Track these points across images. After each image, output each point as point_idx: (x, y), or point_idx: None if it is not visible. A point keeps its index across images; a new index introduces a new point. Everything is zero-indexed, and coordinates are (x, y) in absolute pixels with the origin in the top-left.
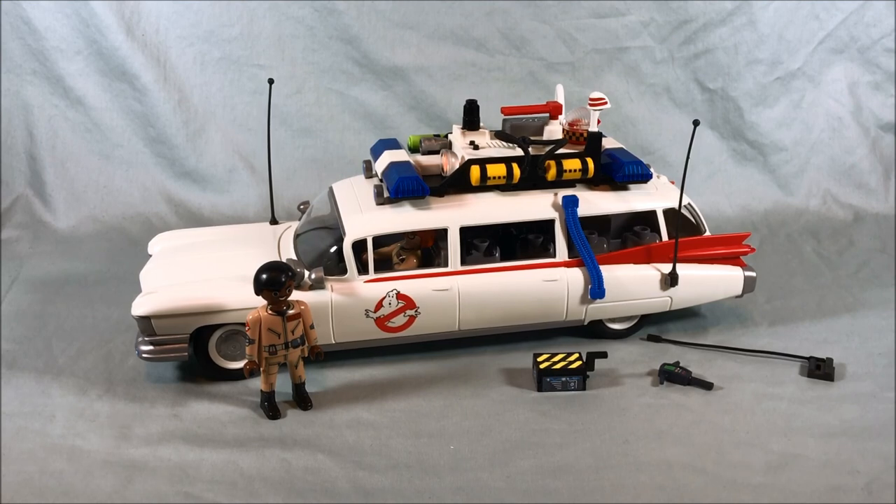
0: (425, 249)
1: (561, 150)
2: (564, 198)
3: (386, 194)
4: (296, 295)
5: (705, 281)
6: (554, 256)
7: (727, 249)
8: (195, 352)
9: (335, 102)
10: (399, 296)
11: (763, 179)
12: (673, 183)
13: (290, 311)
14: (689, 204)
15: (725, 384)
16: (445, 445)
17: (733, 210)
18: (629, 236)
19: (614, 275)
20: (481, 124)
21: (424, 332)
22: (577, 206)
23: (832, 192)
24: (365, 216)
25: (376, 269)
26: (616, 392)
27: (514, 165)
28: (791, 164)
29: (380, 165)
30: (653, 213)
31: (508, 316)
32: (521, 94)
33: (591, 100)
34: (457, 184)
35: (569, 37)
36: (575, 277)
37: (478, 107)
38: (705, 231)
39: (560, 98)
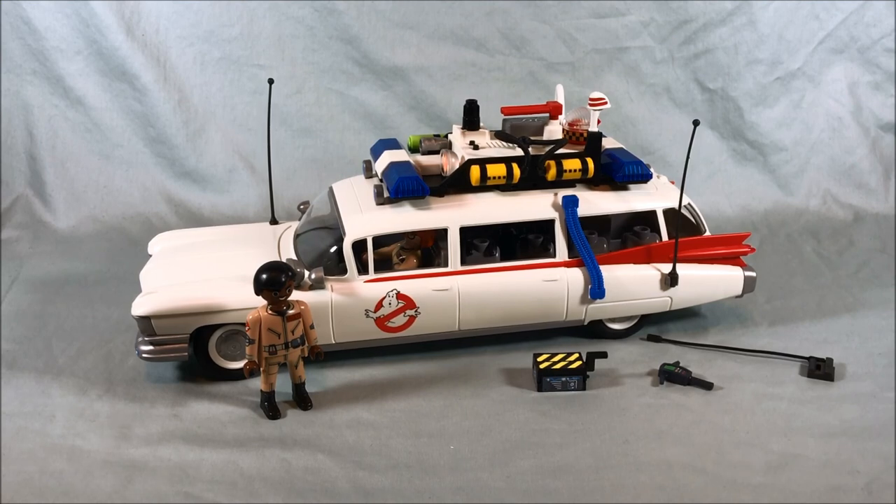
0: (425, 249)
1: (561, 150)
2: (564, 198)
3: (386, 194)
4: (296, 295)
5: (705, 281)
6: (554, 256)
7: (727, 249)
8: (195, 352)
9: (335, 102)
10: (399, 296)
11: (763, 179)
12: (673, 183)
13: (290, 311)
14: (689, 204)
15: (725, 384)
16: (445, 445)
17: (733, 210)
18: (629, 236)
19: (614, 275)
20: (481, 124)
21: (424, 332)
22: (577, 206)
23: (832, 192)
24: (365, 216)
25: (376, 269)
26: (616, 392)
27: (514, 165)
28: (791, 164)
29: (380, 165)
30: (653, 213)
31: (508, 316)
32: (521, 94)
33: (591, 100)
34: (457, 184)
35: (569, 37)
36: (575, 277)
37: (478, 107)
38: (705, 231)
39: (560, 98)
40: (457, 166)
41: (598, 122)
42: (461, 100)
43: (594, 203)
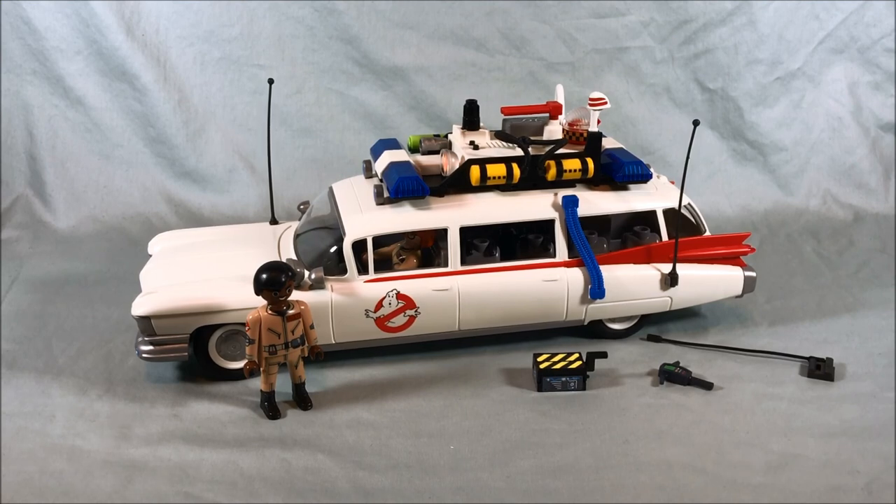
0: (425, 249)
1: (561, 150)
2: (564, 198)
3: (386, 194)
4: (296, 295)
5: (705, 281)
6: (554, 256)
7: (727, 249)
8: (195, 352)
9: (335, 102)
10: (399, 296)
11: (763, 179)
12: (673, 183)
13: (290, 311)
14: (689, 204)
15: (725, 384)
16: (445, 445)
17: (733, 210)
18: (629, 236)
19: (614, 275)
20: (481, 124)
21: (424, 332)
22: (577, 206)
23: (832, 192)
24: (365, 216)
25: (376, 269)
26: (616, 392)
27: (514, 165)
28: (791, 164)
29: (380, 165)
30: (653, 213)
31: (508, 316)
32: (521, 94)
33: (591, 100)
34: (457, 184)
35: (569, 37)
36: (575, 277)
37: (478, 107)
38: (705, 231)
39: (560, 98)
40: (457, 166)
41: (598, 122)
42: (461, 100)
43: (594, 203)
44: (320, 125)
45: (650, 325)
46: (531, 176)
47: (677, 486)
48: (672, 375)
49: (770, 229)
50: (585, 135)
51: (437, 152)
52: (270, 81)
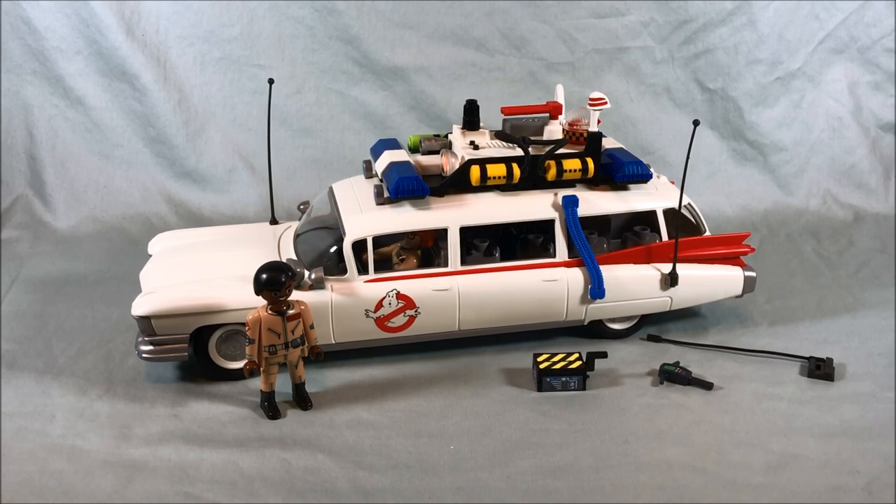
0: (425, 249)
1: (561, 150)
2: (564, 198)
3: (386, 194)
4: (296, 295)
5: (705, 281)
6: (554, 256)
7: (727, 249)
8: (195, 352)
9: (335, 102)
10: (399, 296)
11: (763, 179)
12: (673, 183)
13: (290, 311)
14: (689, 204)
15: (725, 384)
16: (445, 445)
17: (733, 210)
18: (629, 236)
19: (614, 275)
20: (481, 124)
21: (424, 332)
22: (577, 206)
23: (832, 192)
24: (365, 216)
25: (376, 269)
26: (616, 392)
27: (514, 165)
28: (791, 164)
29: (380, 165)
30: (653, 213)
31: (508, 316)
32: (521, 94)
33: (591, 100)
34: (457, 184)
35: (569, 37)
36: (575, 277)
37: (478, 107)
38: (705, 231)
39: (560, 98)
40: (457, 166)
41: (598, 122)
42: (461, 100)
43: (594, 203)
44: (320, 125)
45: (650, 325)
46: (531, 176)
47: (677, 486)
48: (672, 375)
49: (770, 229)
50: (585, 135)
51: (437, 152)
52: (270, 81)
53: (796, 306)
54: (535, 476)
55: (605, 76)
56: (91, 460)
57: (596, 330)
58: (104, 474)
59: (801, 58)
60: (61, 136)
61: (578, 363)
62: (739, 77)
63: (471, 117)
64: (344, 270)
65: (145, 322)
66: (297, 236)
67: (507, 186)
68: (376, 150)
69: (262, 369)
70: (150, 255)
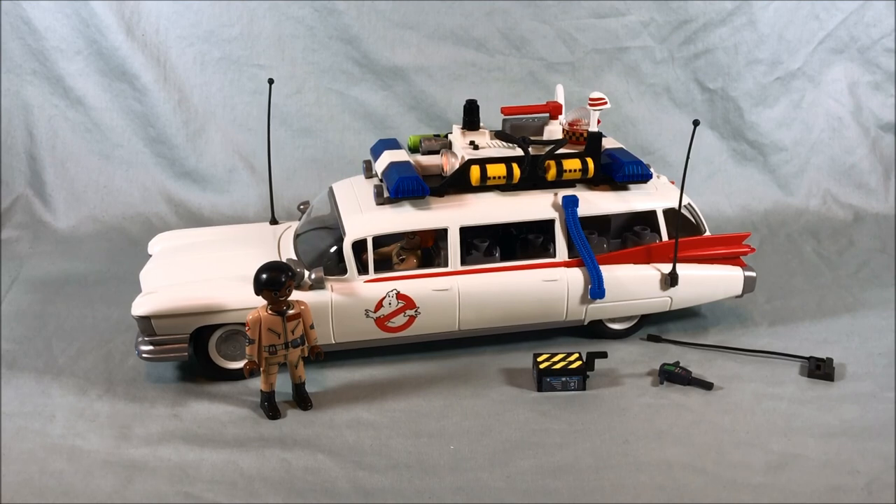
0: (425, 249)
1: (561, 150)
2: (564, 198)
3: (386, 194)
4: (296, 295)
5: (705, 281)
6: (554, 256)
7: (727, 249)
8: (195, 352)
9: (335, 102)
10: (399, 296)
11: (763, 179)
12: (673, 183)
13: (290, 311)
14: (689, 204)
15: (725, 384)
16: (445, 445)
17: (733, 210)
18: (629, 236)
19: (614, 275)
20: (481, 124)
21: (424, 332)
22: (577, 206)
23: (832, 192)
24: (365, 216)
25: (376, 269)
26: (616, 392)
27: (514, 165)
28: (791, 164)
29: (380, 165)
30: (653, 213)
31: (508, 316)
32: (521, 94)
33: (591, 100)
34: (457, 184)
35: (569, 37)
36: (575, 277)
37: (478, 107)
38: (705, 231)
39: (560, 98)
40: (457, 166)
41: (598, 122)
42: (461, 100)
43: (594, 203)
44: (320, 125)
45: (650, 325)
46: (531, 176)
47: (677, 486)
48: (672, 375)
49: (770, 229)
50: (585, 135)
51: (437, 152)
52: (270, 81)
53: (796, 306)
54: (535, 476)
55: (605, 76)
56: (91, 460)
57: (596, 330)
58: (104, 474)
59: (801, 58)
60: (61, 136)
61: (578, 363)
62: (739, 77)
63: (471, 117)
64: (344, 270)
65: (145, 322)
66: (297, 236)
67: (507, 186)
68: (376, 150)
69: (262, 369)
70: (150, 255)
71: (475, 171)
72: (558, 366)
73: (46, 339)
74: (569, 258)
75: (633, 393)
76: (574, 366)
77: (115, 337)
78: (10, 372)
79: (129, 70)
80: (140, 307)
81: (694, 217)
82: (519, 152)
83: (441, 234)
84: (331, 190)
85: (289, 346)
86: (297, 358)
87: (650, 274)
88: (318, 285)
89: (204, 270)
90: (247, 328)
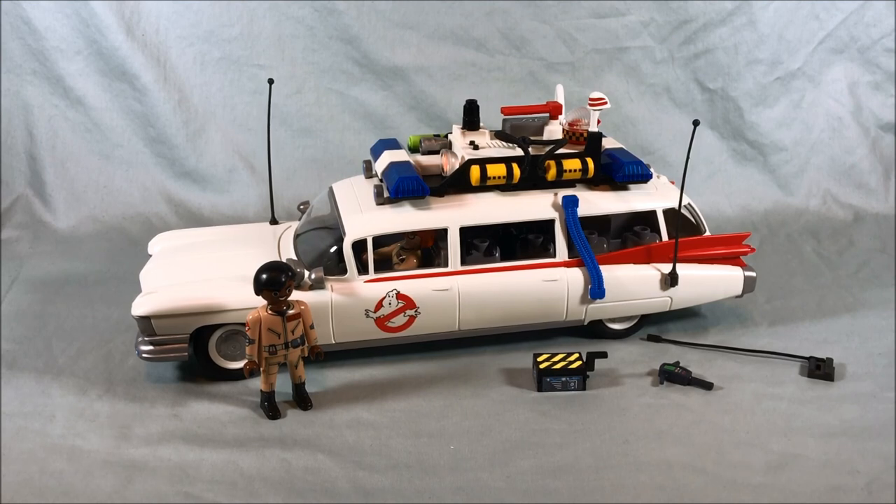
0: (425, 249)
1: (561, 150)
2: (564, 198)
3: (386, 194)
4: (296, 295)
5: (705, 281)
6: (554, 256)
7: (727, 249)
8: (195, 352)
9: (335, 102)
10: (399, 296)
11: (763, 179)
12: (673, 183)
13: (290, 311)
14: (689, 204)
15: (725, 384)
16: (445, 445)
17: (733, 210)
18: (629, 236)
19: (614, 275)
20: (481, 124)
21: (424, 332)
22: (577, 206)
23: (832, 192)
24: (365, 216)
25: (376, 269)
26: (616, 392)
27: (514, 165)
28: (791, 164)
29: (380, 165)
30: (653, 213)
31: (508, 316)
32: (521, 94)
33: (591, 100)
34: (457, 184)
35: (569, 37)
36: (575, 277)
37: (478, 107)
38: (705, 231)
39: (560, 98)
40: (457, 166)
41: (598, 122)
42: (461, 100)
43: (594, 203)
44: (320, 125)
45: (650, 325)
46: (531, 176)
47: (677, 486)
48: (672, 375)
49: (770, 229)
50: (585, 135)
51: (437, 152)
52: (270, 81)
53: (796, 306)
54: (535, 476)
55: (605, 76)
56: (91, 460)
57: (596, 330)
58: (104, 474)
59: (801, 58)
60: (61, 136)
61: (578, 363)
62: (739, 77)
63: (471, 117)
64: (344, 270)
65: (145, 322)
66: (297, 236)
67: (507, 186)
68: (376, 150)
69: (262, 369)
70: (150, 255)
71: (475, 171)
72: (558, 366)
73: (46, 339)
74: (569, 258)
75: (633, 393)
76: (574, 366)
77: (115, 337)
78: (10, 372)
79: (129, 70)
80: (140, 307)
81: (694, 217)
82: (519, 152)
83: (441, 234)
84: (331, 190)
85: (289, 346)
86: (297, 358)
87: (650, 274)
88: (318, 285)
89: (204, 270)
90: (247, 328)
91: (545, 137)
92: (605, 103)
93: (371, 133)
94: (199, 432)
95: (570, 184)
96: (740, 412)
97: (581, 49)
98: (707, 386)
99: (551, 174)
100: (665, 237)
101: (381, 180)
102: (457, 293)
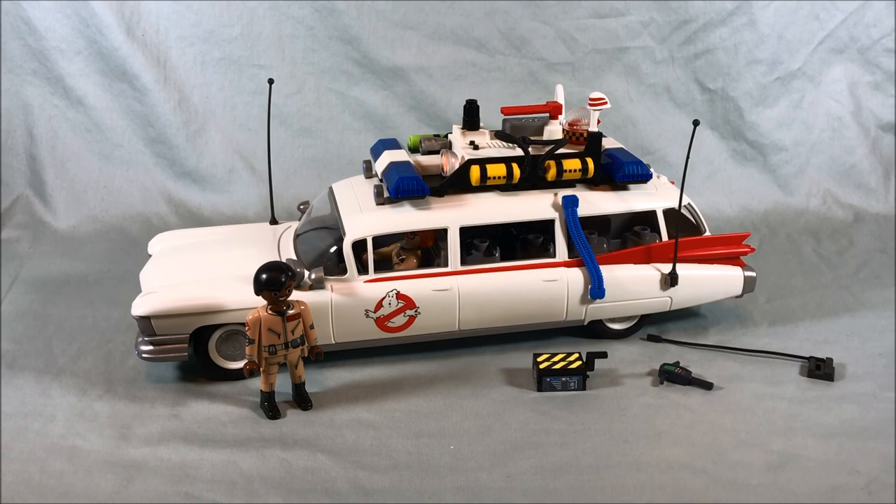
0: (425, 249)
1: (561, 150)
2: (564, 198)
3: (386, 194)
4: (296, 295)
5: (705, 281)
6: (554, 256)
7: (727, 249)
8: (195, 352)
9: (335, 102)
10: (399, 296)
11: (763, 179)
12: (673, 183)
13: (290, 311)
14: (689, 204)
15: (725, 384)
16: (445, 445)
17: (733, 210)
18: (629, 236)
19: (614, 275)
20: (481, 124)
21: (424, 332)
22: (577, 206)
23: (832, 192)
24: (365, 216)
25: (376, 269)
26: (616, 392)
27: (514, 165)
28: (791, 164)
29: (380, 165)
30: (653, 213)
31: (508, 316)
32: (521, 94)
33: (591, 100)
34: (457, 184)
35: (569, 37)
36: (575, 277)
37: (478, 107)
38: (705, 231)
39: (560, 98)
40: (457, 166)
41: (598, 122)
42: (461, 100)
43: (594, 203)
44: (320, 125)
45: (650, 325)
46: (531, 176)
47: (677, 486)
48: (672, 375)
49: (770, 229)
50: (585, 135)
51: (437, 152)
52: (270, 81)
53: (796, 306)
54: (535, 476)
55: (605, 76)
56: (91, 460)
57: (596, 330)
58: (104, 474)
59: (801, 58)
60: (61, 136)
61: (578, 363)
62: (739, 77)
63: (471, 117)
64: (344, 270)
65: (145, 322)
66: (297, 236)
67: (507, 186)
68: (376, 150)
69: (261, 369)
70: (150, 255)
71: (475, 171)
72: (558, 366)
73: (46, 339)
74: (569, 258)
75: (633, 393)
76: (574, 366)
77: (115, 337)
78: (10, 372)
79: (130, 70)
80: (140, 307)
81: (694, 217)
82: (519, 152)
83: (441, 234)
84: (331, 190)
85: (289, 346)
86: (297, 358)
87: (650, 274)
88: (318, 285)
89: (204, 270)
90: (247, 328)
91: (545, 137)
92: (605, 103)
93: (371, 133)
94: (199, 432)
95: (570, 184)
96: (740, 412)
97: (581, 49)
98: (707, 386)
99: (551, 174)
100: (665, 237)
101: (381, 180)
102: (457, 293)
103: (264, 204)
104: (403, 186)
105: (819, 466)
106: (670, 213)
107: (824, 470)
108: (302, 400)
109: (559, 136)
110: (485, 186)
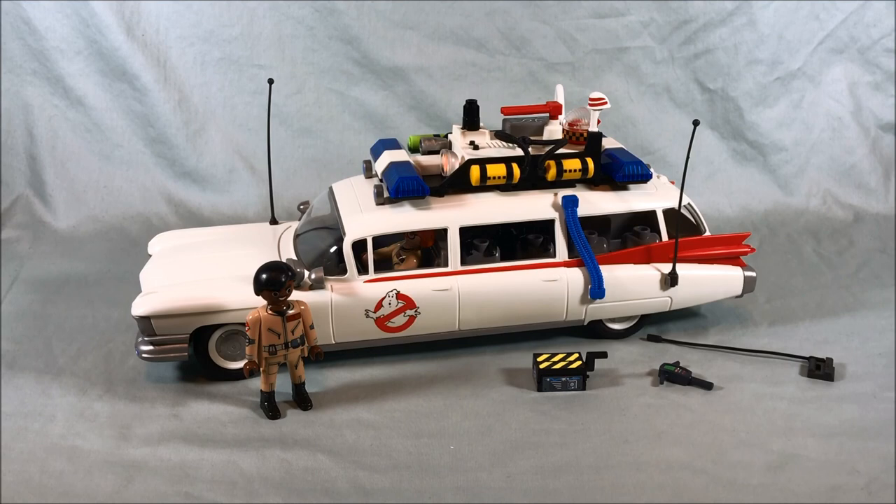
0: (425, 249)
1: (561, 150)
2: (564, 198)
3: (386, 194)
4: (296, 295)
5: (705, 281)
6: (554, 256)
7: (727, 249)
8: (195, 352)
9: (335, 102)
10: (399, 296)
11: (763, 179)
12: (673, 183)
13: (290, 311)
14: (689, 204)
15: (725, 384)
16: (445, 445)
17: (733, 210)
18: (629, 236)
19: (614, 275)
20: (481, 124)
21: (424, 332)
22: (577, 206)
23: (832, 192)
24: (365, 216)
25: (376, 269)
26: (616, 392)
27: (514, 165)
28: (791, 164)
29: (380, 165)
30: (653, 213)
31: (508, 316)
32: (521, 94)
33: (591, 100)
34: (457, 184)
35: (569, 37)
36: (575, 277)
37: (478, 107)
38: (705, 231)
39: (560, 98)
40: (457, 166)
41: (598, 122)
42: (461, 100)
43: (594, 203)
44: (320, 125)
45: (650, 325)
46: (531, 176)
47: (677, 486)
48: (672, 375)
49: (770, 229)
50: (585, 135)
51: (437, 152)
52: (270, 81)
53: (796, 306)
54: (535, 476)
55: (605, 76)
56: (91, 460)
57: (596, 330)
58: (104, 474)
59: (801, 58)
60: (61, 136)
61: (578, 363)
62: (739, 77)
63: (471, 117)
64: (344, 270)
65: (145, 322)
66: (297, 236)
67: (507, 186)
68: (376, 150)
69: (261, 369)
70: (150, 255)
71: (475, 171)
72: (558, 366)
73: (46, 339)
74: (569, 258)
75: (632, 393)
76: (574, 366)
77: (115, 337)
78: (10, 372)
79: (130, 70)
80: (140, 307)
81: (694, 217)
82: (519, 152)
83: (441, 234)
84: (331, 190)
85: (289, 346)
86: (297, 358)
87: (650, 274)
88: (318, 285)
89: (204, 270)
90: (247, 328)
91: (545, 137)
92: (605, 103)
93: (371, 133)
94: (199, 432)
95: (570, 184)
96: (740, 412)
97: (581, 49)
98: (707, 386)
99: (551, 174)
100: (665, 237)
101: (381, 180)
102: (457, 293)
103: (264, 204)
104: (403, 186)
105: (819, 466)
106: (670, 213)
107: (824, 470)
108: (302, 400)
109: (559, 136)
110: (485, 186)
